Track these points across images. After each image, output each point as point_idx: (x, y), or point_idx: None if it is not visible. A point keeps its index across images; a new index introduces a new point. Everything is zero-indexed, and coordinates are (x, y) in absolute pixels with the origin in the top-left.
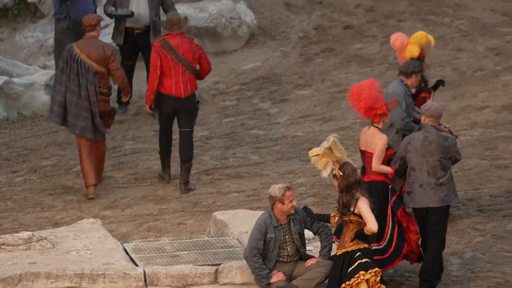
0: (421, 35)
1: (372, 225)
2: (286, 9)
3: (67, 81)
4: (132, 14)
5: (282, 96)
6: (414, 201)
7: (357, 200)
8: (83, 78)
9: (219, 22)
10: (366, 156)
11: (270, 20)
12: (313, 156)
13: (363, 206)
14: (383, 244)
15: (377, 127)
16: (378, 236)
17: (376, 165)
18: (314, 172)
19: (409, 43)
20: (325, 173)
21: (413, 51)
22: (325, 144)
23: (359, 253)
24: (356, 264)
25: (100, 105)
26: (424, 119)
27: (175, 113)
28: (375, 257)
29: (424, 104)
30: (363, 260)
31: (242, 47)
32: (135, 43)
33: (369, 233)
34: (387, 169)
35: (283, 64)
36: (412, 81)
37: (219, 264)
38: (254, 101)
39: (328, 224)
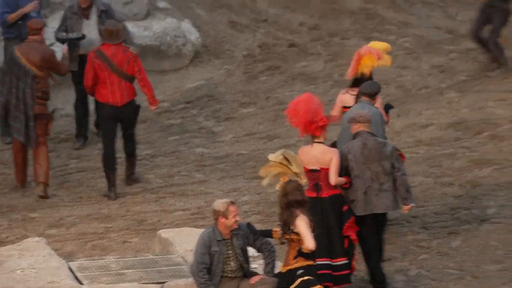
0: (379, 43)
1: (309, 243)
2: (231, 28)
3: (9, 83)
4: (83, 36)
5: (227, 114)
6: (359, 208)
7: (295, 218)
8: (21, 80)
9: (163, 40)
10: (321, 173)
11: (214, 38)
12: (274, 160)
13: (301, 224)
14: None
15: (321, 142)
16: (339, 249)
17: (335, 178)
18: (259, 190)
19: (382, 53)
20: (265, 182)
21: (388, 60)
22: (289, 154)
23: (301, 270)
24: (297, 281)
25: (36, 108)
26: (358, 127)
27: (116, 120)
28: (345, 271)
29: (353, 114)
30: (305, 278)
31: (187, 66)
32: None
33: (308, 251)
34: (343, 180)
35: (227, 82)
36: (375, 101)
37: (164, 282)
38: (199, 119)
39: (271, 241)
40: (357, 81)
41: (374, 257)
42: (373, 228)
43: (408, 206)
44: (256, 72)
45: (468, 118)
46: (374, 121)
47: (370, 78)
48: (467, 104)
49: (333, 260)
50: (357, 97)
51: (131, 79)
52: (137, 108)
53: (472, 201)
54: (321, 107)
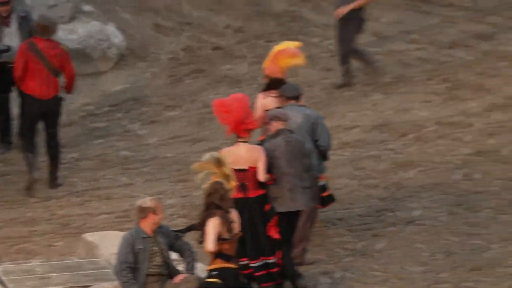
0: (291, 43)
1: (207, 245)
2: (156, 31)
3: None
4: (9, 48)
5: (152, 117)
6: (285, 205)
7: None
8: None
9: (88, 43)
10: (249, 172)
11: (139, 41)
12: (208, 159)
13: (208, 225)
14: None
15: (246, 141)
16: (268, 248)
17: (264, 174)
18: (184, 193)
19: (297, 51)
20: (200, 178)
21: (302, 58)
22: (223, 156)
23: (215, 272)
24: (205, 284)
25: None
26: (280, 125)
27: (41, 115)
28: (274, 269)
29: (275, 112)
30: (209, 280)
31: (112, 69)
32: (9, 77)
33: (206, 252)
34: (269, 176)
35: (152, 85)
36: (301, 103)
37: (90, 286)
38: (124, 123)
39: (191, 242)
40: (274, 84)
41: (289, 254)
42: (293, 226)
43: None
44: (181, 75)
45: (393, 120)
46: (320, 122)
47: (282, 80)
48: (392, 106)
49: (264, 259)
50: (284, 100)
51: (58, 74)
52: (60, 102)
53: (397, 203)
54: (252, 111)
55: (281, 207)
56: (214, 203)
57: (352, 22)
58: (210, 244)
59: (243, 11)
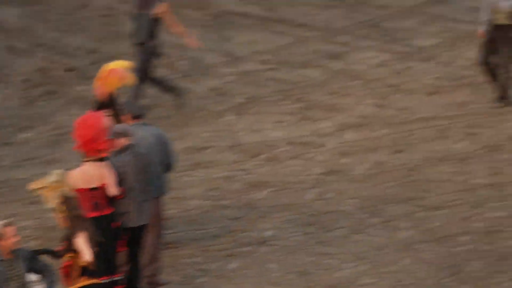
0: (122, 62)
1: (84, 255)
2: (8, 52)
3: None
4: None
5: (5, 139)
6: (133, 220)
7: (77, 235)
8: None
9: None
10: (101, 190)
11: None
12: (43, 187)
13: (79, 239)
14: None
15: (91, 161)
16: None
17: (115, 188)
18: (37, 215)
19: (126, 72)
20: (52, 204)
21: (132, 78)
22: (55, 177)
23: None
24: None
25: None
26: (125, 141)
27: None
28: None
29: (121, 128)
30: None
31: None
32: None
33: (88, 267)
34: (120, 190)
35: (5, 106)
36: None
37: None
38: None
39: (51, 264)
40: (105, 103)
41: (136, 270)
42: (139, 241)
43: None
44: (34, 96)
45: (246, 140)
46: (168, 142)
47: (113, 99)
48: (245, 127)
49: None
50: (130, 118)
51: None
52: None
53: (250, 223)
54: (108, 131)
55: (131, 222)
56: (78, 217)
57: (146, 50)
58: (88, 254)
59: (97, 32)
